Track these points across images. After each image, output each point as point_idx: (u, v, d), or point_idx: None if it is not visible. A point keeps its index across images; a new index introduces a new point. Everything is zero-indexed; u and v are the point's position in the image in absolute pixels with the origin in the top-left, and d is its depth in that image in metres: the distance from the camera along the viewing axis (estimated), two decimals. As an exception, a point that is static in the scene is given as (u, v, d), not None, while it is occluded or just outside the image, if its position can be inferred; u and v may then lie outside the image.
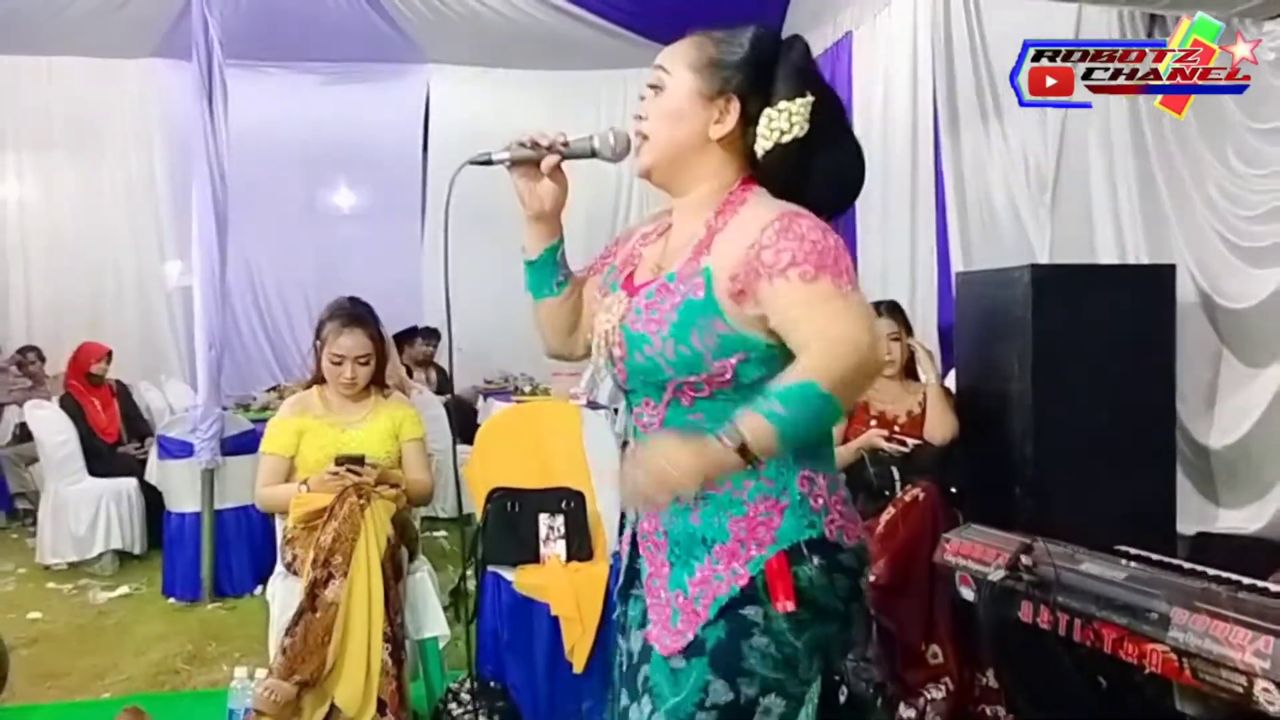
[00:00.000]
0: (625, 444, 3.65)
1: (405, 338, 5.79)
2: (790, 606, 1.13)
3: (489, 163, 1.29)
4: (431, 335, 5.98)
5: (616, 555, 2.67)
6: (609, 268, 1.34)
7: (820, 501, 1.17)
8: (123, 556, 4.31)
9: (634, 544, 1.30)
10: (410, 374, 5.24)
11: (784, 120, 1.17)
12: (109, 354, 4.96)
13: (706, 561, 1.17)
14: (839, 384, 1.06)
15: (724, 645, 1.15)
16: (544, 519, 2.63)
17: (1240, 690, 1.48)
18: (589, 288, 1.35)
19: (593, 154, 1.27)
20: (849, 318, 1.09)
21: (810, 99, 1.17)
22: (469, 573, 2.77)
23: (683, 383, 1.16)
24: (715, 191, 1.22)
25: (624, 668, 1.30)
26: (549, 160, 1.26)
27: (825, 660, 1.22)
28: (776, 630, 1.14)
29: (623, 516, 1.33)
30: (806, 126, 1.17)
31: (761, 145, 1.18)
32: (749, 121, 1.19)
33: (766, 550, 1.15)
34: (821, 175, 1.19)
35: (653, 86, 1.22)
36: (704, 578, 1.17)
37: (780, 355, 1.13)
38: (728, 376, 1.14)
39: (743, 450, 1.05)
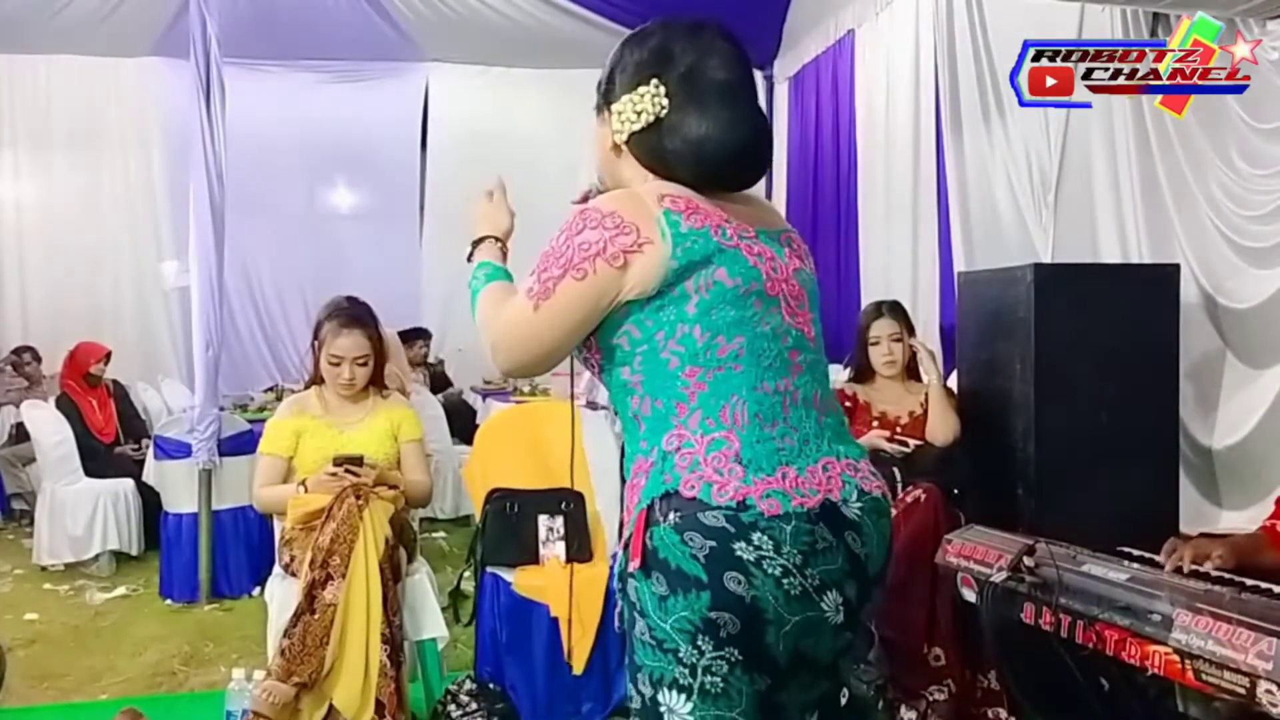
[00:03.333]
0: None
1: (407, 338, 5.79)
2: (635, 564, 1.13)
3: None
4: (425, 336, 5.97)
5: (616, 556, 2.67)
6: None
7: (689, 459, 1.14)
8: (120, 557, 4.30)
9: None
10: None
11: (630, 110, 1.23)
12: (108, 355, 4.94)
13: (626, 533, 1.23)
14: (491, 319, 1.24)
15: (626, 641, 1.18)
16: (543, 520, 2.62)
17: (1243, 692, 1.48)
18: None
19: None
20: (503, 317, 1.23)
21: (654, 85, 1.22)
22: (467, 573, 2.76)
23: (584, 361, 1.28)
24: None
25: None
26: None
27: (726, 649, 1.08)
28: (645, 610, 1.12)
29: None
30: (657, 109, 1.22)
31: (618, 139, 1.26)
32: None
33: (634, 512, 1.17)
34: (674, 151, 1.22)
35: None
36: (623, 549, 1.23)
37: (615, 315, 1.19)
38: (593, 346, 1.24)
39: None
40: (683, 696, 1.09)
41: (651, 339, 1.17)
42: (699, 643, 1.08)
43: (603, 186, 1.37)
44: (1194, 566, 1.78)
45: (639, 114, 1.22)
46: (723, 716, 1.09)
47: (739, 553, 1.09)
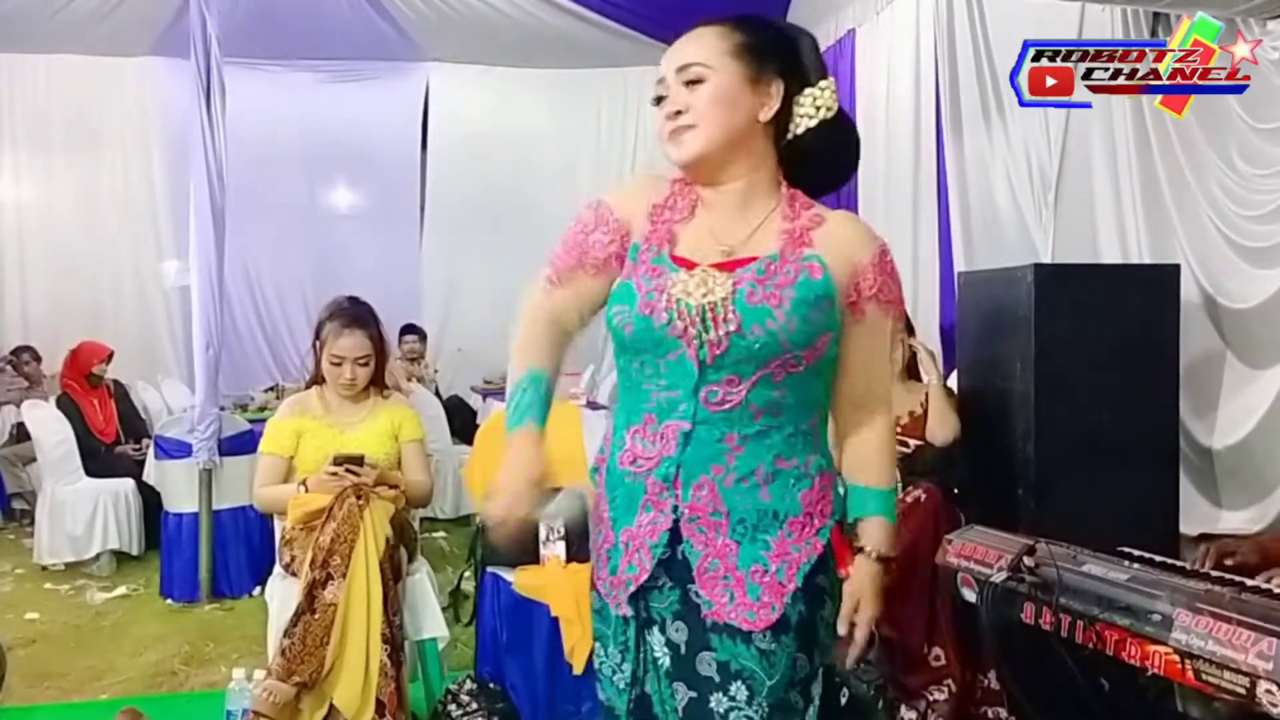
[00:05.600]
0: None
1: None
2: (849, 572, 1.26)
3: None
4: (416, 333, 5.90)
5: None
6: (633, 245, 1.29)
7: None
8: (120, 557, 4.30)
9: (674, 531, 1.24)
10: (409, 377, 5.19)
11: (827, 97, 1.24)
12: (110, 355, 4.95)
13: (780, 535, 1.22)
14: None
15: (805, 620, 1.23)
16: (544, 519, 2.62)
17: (1243, 692, 1.48)
18: (581, 284, 1.30)
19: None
20: (890, 378, 1.34)
21: (831, 82, 1.26)
22: (468, 573, 2.76)
23: (790, 357, 1.20)
24: (763, 181, 1.28)
25: (662, 664, 1.25)
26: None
27: None
28: (837, 598, 1.26)
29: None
30: (827, 110, 1.25)
31: (805, 124, 1.25)
32: (784, 103, 1.25)
33: (830, 520, 1.25)
34: (838, 152, 1.29)
35: (691, 82, 1.23)
36: (782, 550, 1.22)
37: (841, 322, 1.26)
38: (821, 352, 1.23)
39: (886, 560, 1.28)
40: (821, 669, 1.28)
41: (832, 354, 1.26)
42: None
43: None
44: (1195, 566, 1.78)
45: (832, 103, 1.25)
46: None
47: None
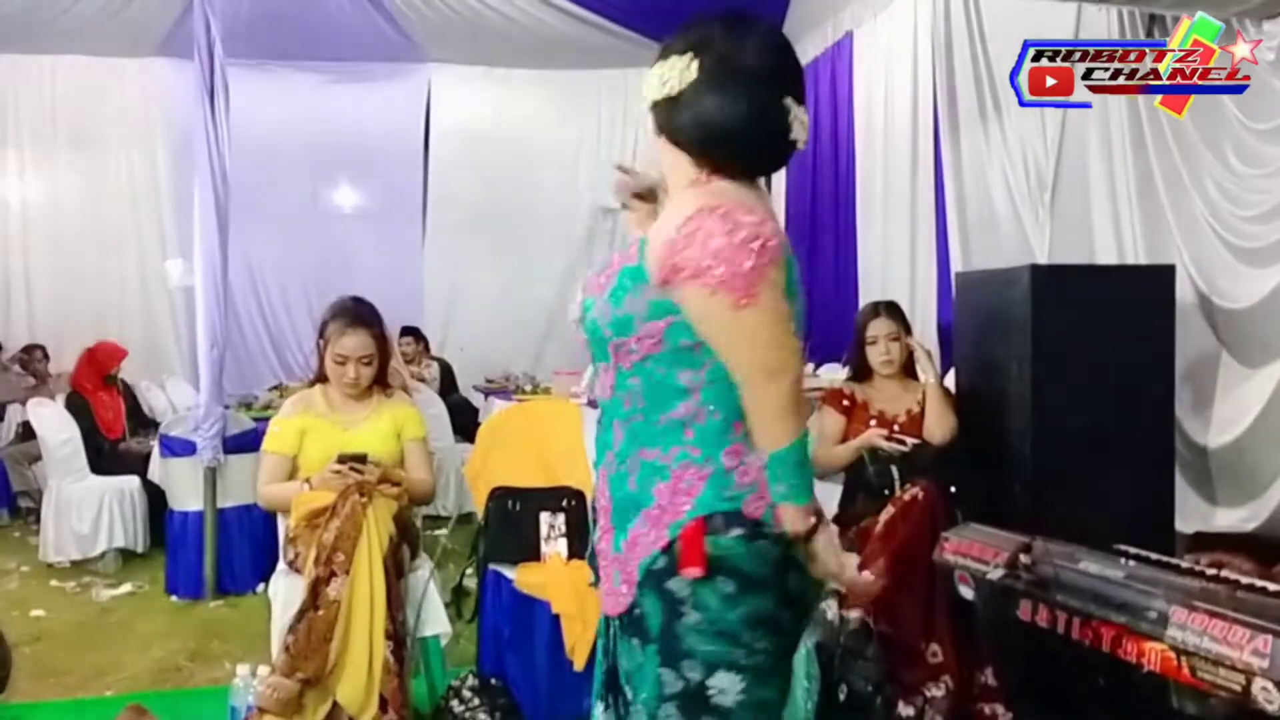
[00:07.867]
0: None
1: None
2: (696, 573, 1.17)
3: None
4: (414, 334, 5.91)
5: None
6: None
7: (749, 479, 1.21)
8: (125, 555, 4.32)
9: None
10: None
11: (667, 71, 1.23)
12: (124, 356, 4.99)
13: (636, 524, 1.24)
14: (791, 429, 1.18)
15: (664, 630, 1.21)
16: (545, 517, 2.64)
17: (1238, 689, 1.49)
18: None
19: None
20: (759, 347, 1.17)
21: (688, 58, 1.21)
22: (470, 570, 2.79)
23: (619, 344, 1.23)
24: (681, 185, 1.29)
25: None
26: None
27: (778, 637, 1.22)
28: (703, 605, 1.19)
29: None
30: (685, 81, 1.21)
31: (649, 97, 1.26)
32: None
33: (684, 516, 1.20)
34: (681, 127, 1.23)
35: None
36: (633, 540, 1.24)
37: None
38: (657, 339, 1.20)
39: (809, 533, 1.20)
40: (737, 677, 1.19)
41: (690, 342, 1.20)
42: (759, 631, 1.19)
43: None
44: (1190, 564, 1.80)
45: (664, 83, 1.23)
46: (769, 697, 1.21)
47: (796, 554, 1.23)
